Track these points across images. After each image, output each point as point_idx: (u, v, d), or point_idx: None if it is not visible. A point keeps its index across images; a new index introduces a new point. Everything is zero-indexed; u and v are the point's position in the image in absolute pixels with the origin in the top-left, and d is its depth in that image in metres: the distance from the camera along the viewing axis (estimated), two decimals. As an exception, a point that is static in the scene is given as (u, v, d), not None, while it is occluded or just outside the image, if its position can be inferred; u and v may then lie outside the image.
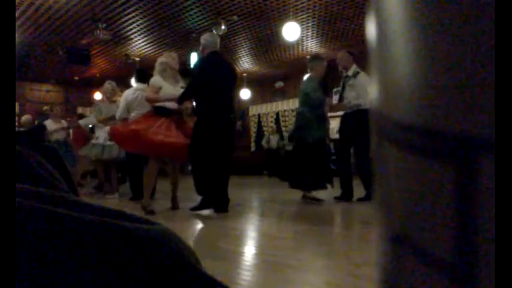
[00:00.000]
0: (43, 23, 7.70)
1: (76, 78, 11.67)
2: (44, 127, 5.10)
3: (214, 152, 3.59)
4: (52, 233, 0.37)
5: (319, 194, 4.47)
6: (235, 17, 7.53)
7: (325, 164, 4.51)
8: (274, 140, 12.06)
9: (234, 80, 3.89)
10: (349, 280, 1.58)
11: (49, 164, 0.53)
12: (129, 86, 6.64)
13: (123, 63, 10.15)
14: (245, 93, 12.45)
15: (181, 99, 3.82)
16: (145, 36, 8.68)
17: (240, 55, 10.25)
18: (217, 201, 3.65)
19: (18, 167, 0.48)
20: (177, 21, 7.80)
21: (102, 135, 5.30)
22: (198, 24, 7.96)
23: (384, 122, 0.20)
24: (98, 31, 7.70)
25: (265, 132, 13.17)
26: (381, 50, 0.20)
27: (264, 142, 12.46)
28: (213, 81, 3.64)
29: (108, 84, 5.60)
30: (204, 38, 3.90)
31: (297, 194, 4.64)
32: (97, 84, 10.52)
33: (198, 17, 7.58)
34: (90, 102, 11.31)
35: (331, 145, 11.65)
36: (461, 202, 0.16)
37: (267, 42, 9.10)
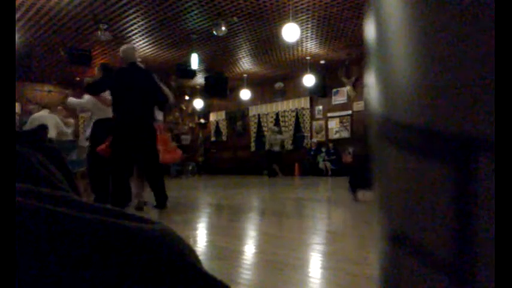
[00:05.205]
0: (44, 23, 7.70)
1: (77, 78, 11.68)
2: (45, 127, 5.06)
3: (125, 154, 3.85)
4: (52, 233, 0.37)
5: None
6: (235, 18, 7.53)
7: None
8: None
9: (149, 87, 4.09)
10: (349, 279, 1.57)
11: (50, 163, 0.53)
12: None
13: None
14: (245, 94, 12.44)
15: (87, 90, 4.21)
16: (146, 37, 8.68)
17: (240, 56, 10.24)
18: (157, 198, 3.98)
19: (18, 166, 0.48)
20: (178, 22, 7.80)
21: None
22: (199, 25, 7.96)
23: (384, 123, 0.20)
24: (99, 32, 7.70)
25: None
26: (380, 51, 0.20)
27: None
28: (123, 89, 3.93)
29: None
30: (123, 50, 4.20)
31: (295, 194, 4.63)
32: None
33: (198, 18, 7.58)
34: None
35: (331, 145, 11.60)
36: (461, 202, 0.16)
37: (267, 43, 9.10)
